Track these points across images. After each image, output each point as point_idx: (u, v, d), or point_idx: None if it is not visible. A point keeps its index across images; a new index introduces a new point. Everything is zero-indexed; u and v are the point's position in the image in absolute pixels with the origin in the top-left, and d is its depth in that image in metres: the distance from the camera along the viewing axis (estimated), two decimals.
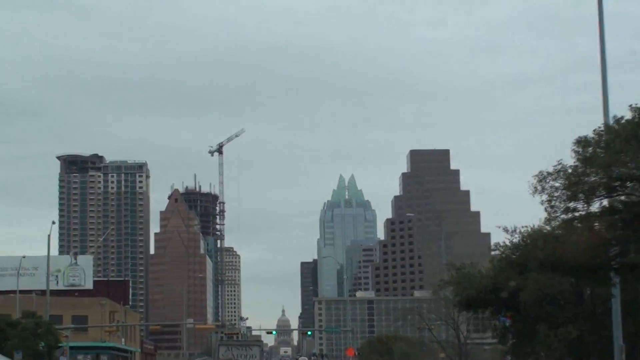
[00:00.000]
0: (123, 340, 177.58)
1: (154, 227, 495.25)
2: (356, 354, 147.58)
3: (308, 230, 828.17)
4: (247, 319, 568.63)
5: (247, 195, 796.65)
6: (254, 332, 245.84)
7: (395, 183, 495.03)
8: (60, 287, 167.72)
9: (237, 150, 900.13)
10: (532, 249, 42.89)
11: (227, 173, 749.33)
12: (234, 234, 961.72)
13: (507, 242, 49.62)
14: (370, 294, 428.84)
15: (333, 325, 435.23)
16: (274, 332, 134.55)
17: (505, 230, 47.63)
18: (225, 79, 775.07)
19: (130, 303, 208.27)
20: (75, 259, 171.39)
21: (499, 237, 52.59)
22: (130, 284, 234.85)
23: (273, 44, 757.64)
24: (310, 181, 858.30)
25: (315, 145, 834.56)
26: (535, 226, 44.06)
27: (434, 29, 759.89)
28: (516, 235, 47.80)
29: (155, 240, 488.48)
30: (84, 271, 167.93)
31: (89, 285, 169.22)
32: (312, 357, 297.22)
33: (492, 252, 53.82)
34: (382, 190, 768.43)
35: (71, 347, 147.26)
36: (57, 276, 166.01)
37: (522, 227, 47.20)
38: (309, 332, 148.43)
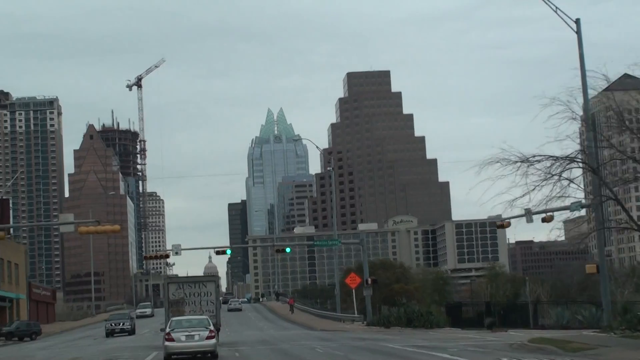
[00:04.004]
0: None
1: (68, 169, 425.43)
2: (369, 281, 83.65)
3: (235, 176, 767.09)
4: (173, 264, 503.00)
5: (167, 145, 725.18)
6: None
7: (330, 113, 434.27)
8: None
9: (154, 99, 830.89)
10: None
11: (147, 113, 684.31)
12: (156, 182, 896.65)
13: None
14: (310, 229, 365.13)
15: (270, 266, 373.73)
16: (229, 251, 70.80)
17: None
18: (138, 26, 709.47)
19: (12, 233, 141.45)
20: None
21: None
22: (11, 204, 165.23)
23: None
24: (232, 125, 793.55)
25: (234, 89, 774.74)
26: None
27: None
28: None
29: (70, 182, 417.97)
30: None
31: None
32: (262, 299, 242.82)
33: None
34: (315, 122, 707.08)
35: None
36: None
37: None
38: (288, 249, 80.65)
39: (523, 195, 43.77)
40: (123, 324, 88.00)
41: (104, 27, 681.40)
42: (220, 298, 78.38)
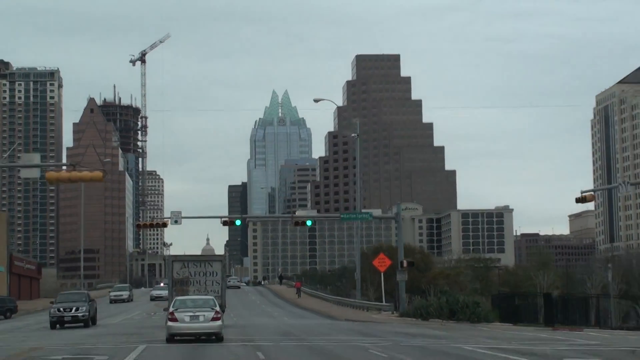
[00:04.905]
0: None
1: (67, 143, 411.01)
2: (404, 264, 69.80)
3: (236, 158, 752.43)
4: (171, 244, 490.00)
5: (168, 125, 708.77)
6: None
7: (336, 97, 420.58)
8: None
9: (157, 80, 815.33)
10: None
11: (149, 93, 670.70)
12: (156, 161, 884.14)
13: None
14: (312, 213, 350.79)
15: (270, 249, 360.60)
16: (238, 222, 56.29)
17: None
18: (143, 4, 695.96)
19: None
20: None
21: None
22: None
23: None
24: (235, 107, 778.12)
25: (238, 72, 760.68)
26: None
27: None
28: None
29: (68, 156, 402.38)
30: None
31: None
32: (264, 281, 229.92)
33: None
34: (320, 105, 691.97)
35: None
36: None
37: None
38: (309, 222, 65.76)
39: None
40: (77, 309, 57.89)
41: (109, 4, 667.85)
42: None
